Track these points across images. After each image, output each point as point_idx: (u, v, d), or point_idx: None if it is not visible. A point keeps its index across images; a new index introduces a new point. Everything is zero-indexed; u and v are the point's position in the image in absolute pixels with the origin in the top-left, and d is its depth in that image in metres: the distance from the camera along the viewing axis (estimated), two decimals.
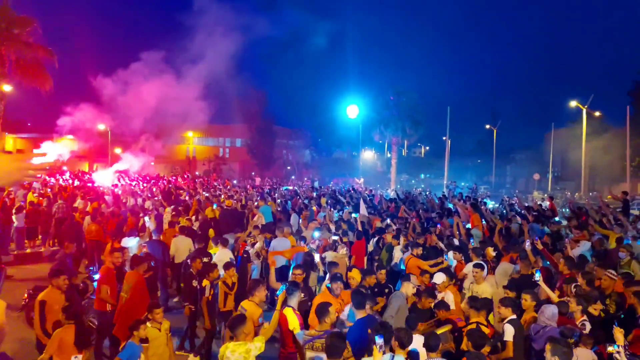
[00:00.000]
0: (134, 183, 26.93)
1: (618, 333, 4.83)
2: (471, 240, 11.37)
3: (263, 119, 55.25)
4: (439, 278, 7.68)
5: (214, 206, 15.93)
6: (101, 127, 33.04)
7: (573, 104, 40.48)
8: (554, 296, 7.12)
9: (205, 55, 25.89)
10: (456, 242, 10.90)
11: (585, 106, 39.04)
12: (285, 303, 5.94)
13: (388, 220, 12.90)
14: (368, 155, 63.70)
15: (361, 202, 16.10)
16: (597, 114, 40.97)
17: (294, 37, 39.68)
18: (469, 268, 8.84)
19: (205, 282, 8.07)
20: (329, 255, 9.60)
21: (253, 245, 10.60)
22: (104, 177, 27.13)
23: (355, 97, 43.54)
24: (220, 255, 9.78)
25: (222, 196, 20.26)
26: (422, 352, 5.19)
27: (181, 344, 8.64)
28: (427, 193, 27.65)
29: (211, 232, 12.88)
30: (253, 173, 48.18)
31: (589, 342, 5.59)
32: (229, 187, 28.45)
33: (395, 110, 42.79)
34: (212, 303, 8.14)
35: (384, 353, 4.70)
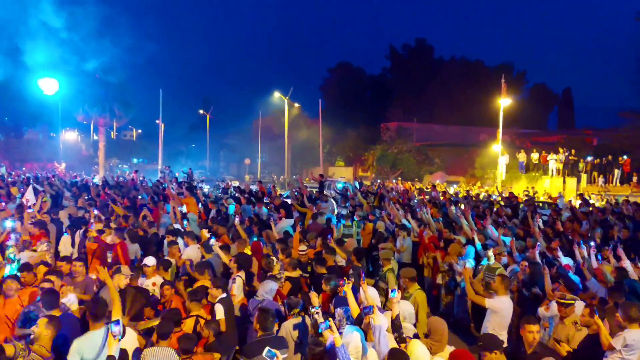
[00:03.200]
0: None
1: (314, 297, 5.58)
2: (185, 223, 11.14)
3: None
4: (150, 261, 7.42)
5: None
6: None
7: (276, 94, 44.61)
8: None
9: None
10: (176, 226, 10.52)
11: (287, 97, 43.52)
12: None
13: (95, 211, 11.46)
14: (70, 136, 56.59)
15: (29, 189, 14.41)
16: (296, 105, 46.21)
17: None
18: (187, 253, 8.56)
19: None
20: (25, 256, 7.88)
21: None
22: None
23: (51, 71, 37.33)
24: None
25: None
26: None
27: None
28: (141, 178, 26.13)
29: None
30: None
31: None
32: None
33: (103, 90, 39.18)
34: None
35: None
